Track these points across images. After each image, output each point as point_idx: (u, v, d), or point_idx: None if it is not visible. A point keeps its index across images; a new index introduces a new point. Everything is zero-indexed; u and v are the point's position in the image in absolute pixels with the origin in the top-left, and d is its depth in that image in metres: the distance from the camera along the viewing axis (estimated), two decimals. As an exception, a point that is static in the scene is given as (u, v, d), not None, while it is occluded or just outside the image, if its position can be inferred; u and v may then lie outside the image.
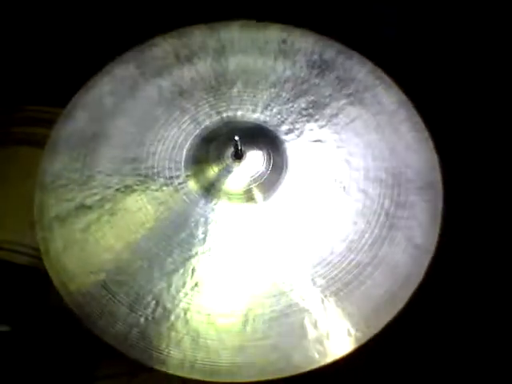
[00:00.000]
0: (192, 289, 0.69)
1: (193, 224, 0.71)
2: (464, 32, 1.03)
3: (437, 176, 0.74)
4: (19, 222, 0.87)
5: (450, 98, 1.03)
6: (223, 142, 0.74)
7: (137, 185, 0.73)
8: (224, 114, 0.77)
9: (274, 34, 0.82)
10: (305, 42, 0.81)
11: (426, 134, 0.76)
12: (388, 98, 0.78)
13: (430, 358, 0.95)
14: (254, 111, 0.77)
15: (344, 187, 0.73)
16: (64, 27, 1.10)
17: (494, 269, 0.98)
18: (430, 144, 0.76)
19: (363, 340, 0.67)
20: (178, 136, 0.76)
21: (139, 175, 0.74)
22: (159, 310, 0.68)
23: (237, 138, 0.71)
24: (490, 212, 1.01)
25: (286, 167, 0.74)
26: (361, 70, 0.79)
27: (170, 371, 0.66)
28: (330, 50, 0.80)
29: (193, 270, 0.69)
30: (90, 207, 0.73)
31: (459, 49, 1.04)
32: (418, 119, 0.77)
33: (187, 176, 0.73)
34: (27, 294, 0.87)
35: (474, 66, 1.04)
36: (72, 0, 1.09)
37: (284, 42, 0.81)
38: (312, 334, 0.67)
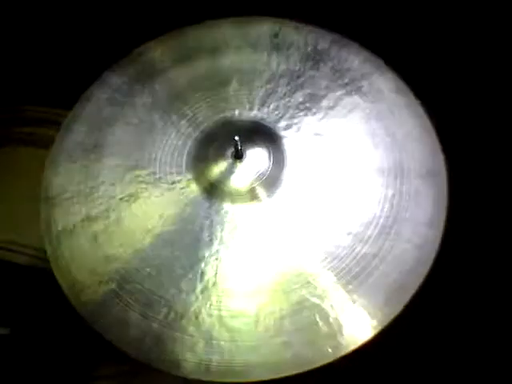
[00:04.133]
0: (202, 292, 0.69)
1: (198, 227, 0.71)
2: (462, 25, 1.02)
3: (440, 162, 0.73)
4: (19, 222, 0.88)
5: (449, 86, 1.02)
6: (223, 143, 0.74)
7: (140, 192, 0.74)
8: (221, 114, 0.77)
9: (265, 28, 0.81)
10: (297, 35, 0.80)
11: (427, 120, 0.75)
12: (386, 84, 0.77)
13: (437, 351, 0.95)
14: (251, 109, 0.76)
15: (346, 179, 0.73)
16: (63, 28, 1.10)
17: (499, 257, 0.97)
18: (431, 130, 0.75)
19: (375, 331, 0.67)
20: (177, 140, 0.76)
21: (142, 182, 0.74)
22: (171, 314, 0.69)
23: (237, 137, 0.71)
24: (495, 199, 0.99)
25: (288, 163, 0.74)
26: (356, 59, 0.78)
27: (186, 375, 0.67)
28: (324, 41, 0.79)
29: (202, 273, 0.70)
30: (95, 218, 0.73)
31: (457, 39, 1.03)
32: (417, 105, 0.76)
33: (189, 180, 0.74)
34: (27, 294, 0.88)
35: (473, 56, 1.02)
36: (71, 1, 1.09)
37: (276, 35, 0.80)
38: (324, 328, 0.67)
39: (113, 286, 0.70)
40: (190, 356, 0.67)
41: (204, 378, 0.67)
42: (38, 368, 0.89)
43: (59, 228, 0.73)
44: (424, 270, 0.68)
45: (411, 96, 0.76)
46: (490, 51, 1.02)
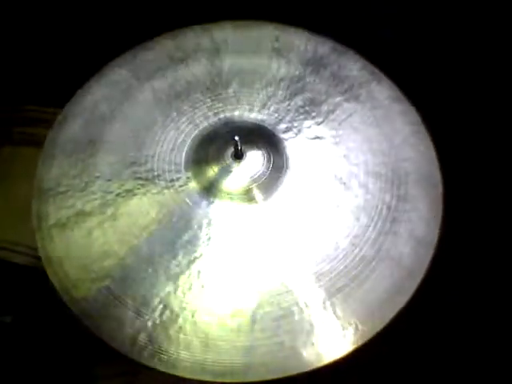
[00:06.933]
0: (199, 291, 0.68)
1: (196, 226, 0.71)
2: (460, 30, 1.05)
3: (435, 168, 0.75)
4: (19, 222, 0.85)
5: (445, 93, 1.04)
6: (222, 143, 0.74)
7: (137, 189, 0.73)
8: (221, 115, 0.77)
9: (266, 32, 0.82)
10: (298, 40, 0.81)
11: (423, 126, 0.77)
12: (382, 92, 0.79)
13: (436, 353, 0.96)
14: (250, 111, 0.77)
15: (344, 183, 0.74)
16: (63, 28, 1.09)
17: (496, 261, 0.99)
18: (427, 136, 0.77)
19: (371, 334, 0.67)
20: (176, 138, 0.76)
21: (139, 179, 0.73)
22: (167, 313, 0.68)
23: (237, 138, 0.71)
24: (490, 203, 1.02)
25: (286, 165, 0.74)
26: (354, 66, 0.80)
27: (181, 374, 0.66)
28: (323, 47, 0.81)
29: (199, 271, 0.69)
30: (90, 213, 0.72)
31: (452, 46, 1.06)
32: (413, 112, 0.78)
33: (188, 178, 0.73)
34: (26, 294, 0.87)
35: (468, 64, 1.06)
36: (71, 1, 1.08)
37: (277, 39, 0.81)
38: (320, 330, 0.67)
39: (107, 282, 0.69)
40: (185, 355, 0.66)
41: (199, 378, 0.66)
42: (37, 368, 0.87)
43: (51, 222, 0.72)
44: (421, 274, 0.69)
45: (407, 103, 0.78)
46: (484, 58, 1.05)
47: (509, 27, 1.02)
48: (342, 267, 0.69)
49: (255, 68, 0.79)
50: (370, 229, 0.71)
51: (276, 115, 0.77)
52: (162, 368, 0.66)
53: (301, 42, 0.81)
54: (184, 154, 0.74)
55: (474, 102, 1.05)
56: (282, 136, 0.75)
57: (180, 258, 0.70)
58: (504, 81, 1.04)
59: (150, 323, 0.67)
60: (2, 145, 0.96)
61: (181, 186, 0.73)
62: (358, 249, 0.70)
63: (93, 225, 0.71)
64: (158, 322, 0.67)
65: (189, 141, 0.75)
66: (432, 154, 0.76)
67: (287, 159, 0.74)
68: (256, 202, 0.72)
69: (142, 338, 0.67)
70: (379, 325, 0.67)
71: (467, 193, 0.99)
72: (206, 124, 0.76)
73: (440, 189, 0.73)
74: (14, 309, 0.87)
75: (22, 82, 1.08)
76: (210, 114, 0.77)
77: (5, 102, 0.99)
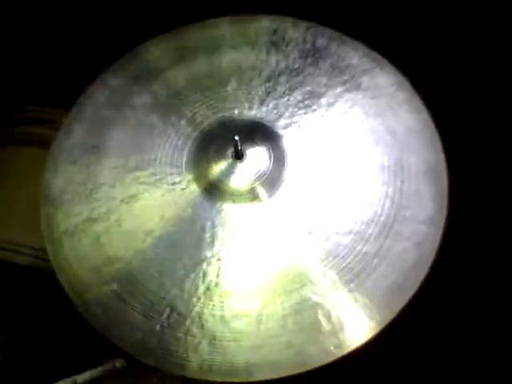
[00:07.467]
0: (204, 292, 0.69)
1: (199, 228, 0.72)
2: (460, 30, 1.01)
3: (440, 159, 0.72)
4: (20, 223, 0.87)
5: (447, 93, 1.01)
6: (223, 143, 0.74)
7: (140, 194, 0.74)
8: (221, 114, 0.76)
9: (264, 25, 0.80)
10: (296, 32, 0.79)
11: (427, 115, 0.75)
12: (385, 79, 0.77)
13: (437, 351, 0.95)
14: (250, 108, 0.76)
15: (347, 177, 0.73)
16: (63, 28, 1.09)
17: (500, 256, 0.97)
18: (432, 125, 0.74)
19: (377, 329, 0.67)
20: (176, 140, 0.76)
21: (142, 183, 0.74)
22: (174, 315, 0.69)
23: (236, 137, 0.71)
24: (496, 196, 0.99)
25: (288, 162, 0.73)
26: (355, 55, 0.78)
27: (190, 375, 0.68)
28: (322, 38, 0.79)
29: (204, 273, 0.70)
30: (96, 219, 0.73)
31: (457, 33, 1.02)
32: (417, 100, 0.75)
33: (189, 180, 0.74)
34: (27, 295, 0.88)
35: (473, 50, 1.02)
36: (71, 1, 1.08)
37: (274, 32, 0.79)
38: (326, 327, 0.67)
39: (115, 286, 0.70)
40: (193, 356, 0.68)
41: (207, 378, 0.68)
42: (41, 366, 0.89)
43: (61, 229, 0.73)
44: (424, 269, 0.68)
45: (411, 91, 0.76)
46: (489, 45, 1.01)
47: (509, 26, 0.97)
48: (345, 264, 0.69)
49: (253, 64, 0.78)
50: (373, 224, 0.70)
51: (275, 111, 0.76)
52: (170, 370, 0.68)
53: (299, 33, 0.79)
54: (185, 155, 0.75)
55: (478, 90, 1.01)
56: (283, 132, 0.75)
57: (185, 260, 0.71)
58: (504, 77, 1.00)
59: (158, 326, 0.69)
60: (4, 145, 0.96)
61: (183, 189, 0.73)
62: (360, 245, 0.70)
63: (99, 231, 0.73)
64: (165, 324, 0.69)
65: (189, 142, 0.75)
66: (437, 144, 0.73)
67: (289, 155, 0.74)
68: (260, 201, 0.72)
69: (151, 340, 0.69)
70: (382, 322, 0.67)
71: (474, 186, 0.96)
72: (205, 124, 0.76)
73: (445, 182, 0.71)
74: (14, 310, 0.89)
75: (22, 82, 1.08)
76: (209, 113, 0.76)
77: (5, 102, 0.99)
